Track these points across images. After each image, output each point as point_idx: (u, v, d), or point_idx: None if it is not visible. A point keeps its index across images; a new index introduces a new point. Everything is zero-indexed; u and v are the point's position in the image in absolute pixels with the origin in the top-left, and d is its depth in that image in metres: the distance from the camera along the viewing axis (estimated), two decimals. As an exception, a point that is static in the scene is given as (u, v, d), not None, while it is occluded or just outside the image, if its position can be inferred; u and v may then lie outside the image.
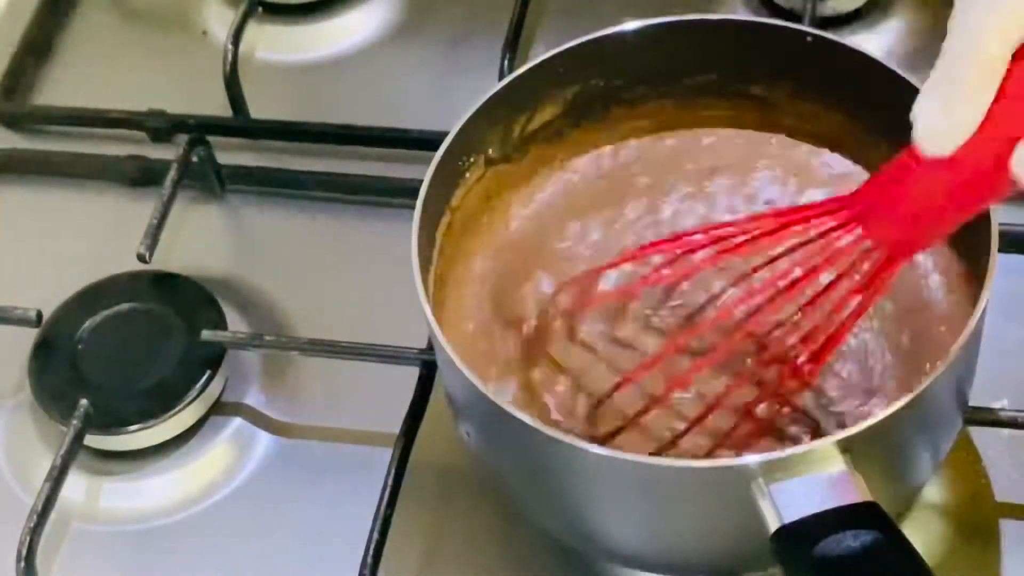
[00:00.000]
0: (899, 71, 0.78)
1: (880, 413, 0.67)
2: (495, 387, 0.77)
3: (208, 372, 0.88)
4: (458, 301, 0.81)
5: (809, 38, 0.81)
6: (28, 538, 0.82)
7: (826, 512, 0.66)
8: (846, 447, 0.67)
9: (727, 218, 0.81)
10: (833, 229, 0.71)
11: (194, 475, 0.88)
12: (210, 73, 1.01)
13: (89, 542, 0.86)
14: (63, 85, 1.08)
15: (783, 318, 0.76)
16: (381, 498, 0.82)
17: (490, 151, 0.83)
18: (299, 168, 1.00)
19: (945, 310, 0.78)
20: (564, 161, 0.86)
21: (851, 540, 0.64)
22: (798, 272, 0.73)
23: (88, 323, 0.91)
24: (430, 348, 0.85)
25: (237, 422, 0.89)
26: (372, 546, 0.81)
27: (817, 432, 0.74)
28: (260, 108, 1.02)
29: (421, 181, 0.77)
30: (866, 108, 0.81)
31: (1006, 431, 0.83)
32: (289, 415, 0.90)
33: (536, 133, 0.84)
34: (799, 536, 0.66)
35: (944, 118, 0.65)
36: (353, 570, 0.80)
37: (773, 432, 0.74)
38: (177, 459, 0.88)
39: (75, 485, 0.87)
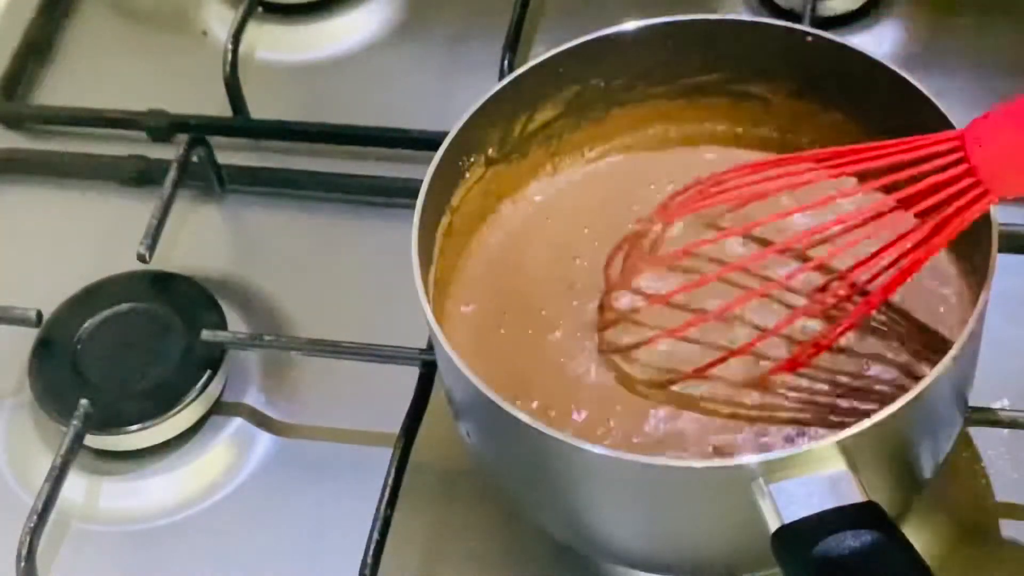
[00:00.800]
0: (899, 71, 0.78)
1: (880, 413, 0.67)
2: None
3: (208, 372, 0.88)
4: (458, 301, 0.81)
5: (809, 38, 0.81)
6: (28, 538, 0.82)
7: (826, 512, 0.66)
8: (846, 447, 0.67)
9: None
10: (938, 155, 0.70)
11: (194, 475, 0.88)
12: (210, 73, 1.01)
13: (89, 542, 0.86)
14: (63, 85, 1.08)
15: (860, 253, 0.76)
16: (381, 498, 0.82)
17: (490, 151, 0.83)
18: (299, 168, 1.00)
19: (945, 310, 0.78)
20: (564, 161, 0.86)
21: (851, 540, 0.64)
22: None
23: (88, 323, 0.91)
24: (430, 348, 0.85)
25: (237, 422, 0.89)
26: (372, 546, 0.81)
27: (817, 432, 0.74)
28: (260, 108, 1.02)
29: (421, 181, 0.77)
30: (866, 108, 0.81)
31: (1006, 431, 0.83)
32: (289, 415, 0.90)
33: (536, 133, 0.84)
34: (799, 536, 0.66)
35: None
36: (353, 570, 0.80)
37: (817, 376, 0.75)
38: (177, 459, 0.88)
39: (75, 485, 0.87)
